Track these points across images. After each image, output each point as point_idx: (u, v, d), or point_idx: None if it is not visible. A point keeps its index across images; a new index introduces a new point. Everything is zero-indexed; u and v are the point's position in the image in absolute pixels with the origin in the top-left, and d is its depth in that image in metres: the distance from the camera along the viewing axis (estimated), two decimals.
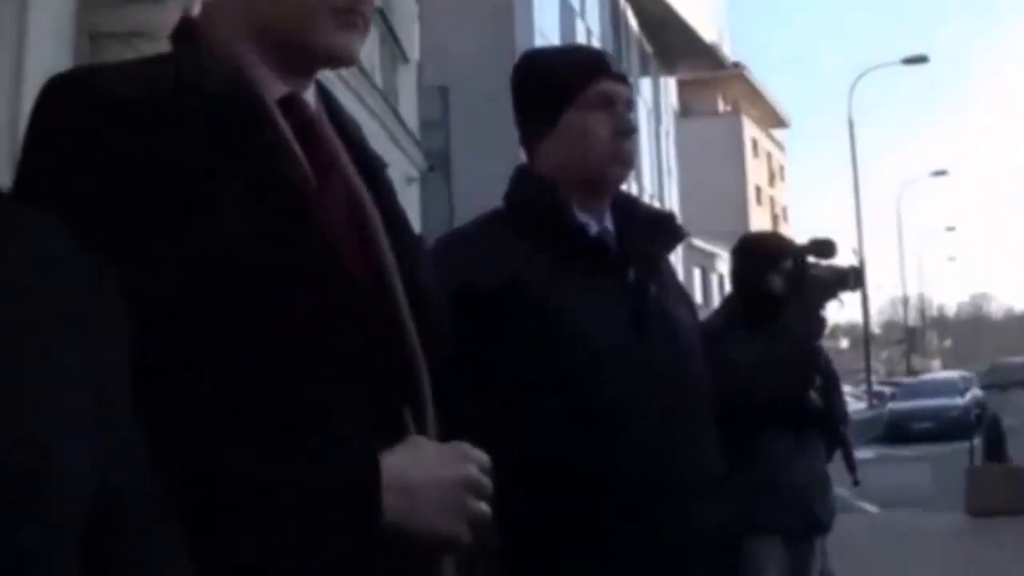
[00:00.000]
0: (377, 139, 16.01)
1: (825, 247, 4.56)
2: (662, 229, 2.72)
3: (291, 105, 1.69)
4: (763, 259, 4.73)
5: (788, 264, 4.57)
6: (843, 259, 4.60)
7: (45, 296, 1.01)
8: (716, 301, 26.54)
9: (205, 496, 1.40)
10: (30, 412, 0.95)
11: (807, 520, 4.56)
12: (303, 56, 1.71)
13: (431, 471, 1.54)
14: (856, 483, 4.85)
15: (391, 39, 18.58)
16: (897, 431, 31.40)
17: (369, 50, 16.49)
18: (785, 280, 4.56)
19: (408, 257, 1.72)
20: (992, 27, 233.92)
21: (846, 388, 5.25)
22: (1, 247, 0.99)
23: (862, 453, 21.67)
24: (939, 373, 51.72)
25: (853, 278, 4.50)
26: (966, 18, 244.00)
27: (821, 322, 4.66)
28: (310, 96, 1.75)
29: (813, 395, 4.57)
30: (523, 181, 2.67)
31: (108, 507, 1.02)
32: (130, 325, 1.10)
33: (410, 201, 18.88)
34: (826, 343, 4.91)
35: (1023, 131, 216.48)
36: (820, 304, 4.52)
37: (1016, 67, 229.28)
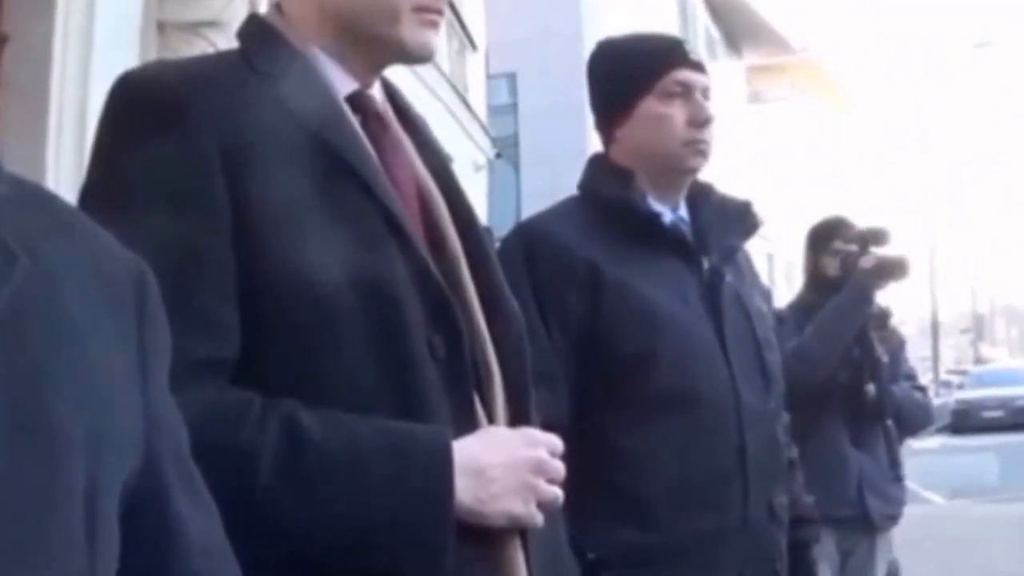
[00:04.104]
0: (446, 127, 16.04)
1: (878, 235, 4.49)
2: (739, 218, 2.72)
3: (359, 101, 1.71)
4: (815, 242, 4.72)
5: (842, 247, 4.53)
6: (895, 248, 4.52)
7: (96, 287, 1.05)
8: (782, 287, 26.32)
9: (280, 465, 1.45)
10: (95, 377, 1.00)
11: (860, 513, 4.49)
12: (381, 53, 1.73)
13: (501, 455, 1.57)
14: (898, 479, 4.73)
15: (459, 27, 18.57)
16: (964, 420, 31.09)
17: (438, 39, 16.48)
18: (840, 264, 4.51)
19: (476, 250, 1.75)
20: None
21: None
22: (53, 241, 1.03)
23: (928, 442, 21.56)
24: (1007, 362, 51.11)
25: (899, 269, 4.41)
26: None
27: (884, 312, 4.61)
28: (376, 91, 1.77)
29: (870, 386, 4.50)
30: (598, 169, 2.67)
31: (148, 469, 1.06)
32: (166, 318, 1.13)
33: (478, 188, 18.87)
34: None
35: None
36: (871, 292, 4.46)
37: None
